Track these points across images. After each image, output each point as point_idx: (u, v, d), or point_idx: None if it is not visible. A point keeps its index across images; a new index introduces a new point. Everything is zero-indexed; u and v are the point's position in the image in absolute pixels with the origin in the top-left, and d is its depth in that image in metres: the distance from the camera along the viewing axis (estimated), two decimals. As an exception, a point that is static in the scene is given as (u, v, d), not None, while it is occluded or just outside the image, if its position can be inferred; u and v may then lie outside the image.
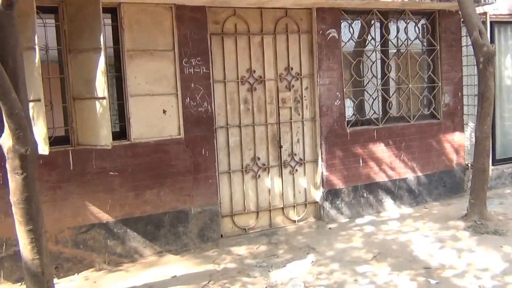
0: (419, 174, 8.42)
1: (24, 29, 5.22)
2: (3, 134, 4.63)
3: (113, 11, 6.30)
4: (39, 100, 5.32)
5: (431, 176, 8.53)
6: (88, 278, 5.98)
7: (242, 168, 7.24)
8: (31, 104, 5.23)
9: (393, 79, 8.38)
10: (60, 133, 6.20)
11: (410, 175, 8.34)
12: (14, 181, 4.67)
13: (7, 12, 4.25)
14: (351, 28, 7.94)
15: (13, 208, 4.76)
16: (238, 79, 7.14)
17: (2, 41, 4.38)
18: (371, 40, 8.11)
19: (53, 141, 5.86)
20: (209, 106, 6.84)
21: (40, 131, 5.32)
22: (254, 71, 7.23)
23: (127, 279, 5.89)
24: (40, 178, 5.60)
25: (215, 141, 6.95)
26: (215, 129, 6.97)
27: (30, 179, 4.67)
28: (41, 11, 5.77)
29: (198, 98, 6.77)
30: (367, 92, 8.18)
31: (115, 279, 5.92)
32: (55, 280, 5.61)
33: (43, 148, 5.33)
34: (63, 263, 6.08)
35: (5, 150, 4.61)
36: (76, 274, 6.09)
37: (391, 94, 8.34)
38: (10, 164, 4.64)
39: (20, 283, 5.73)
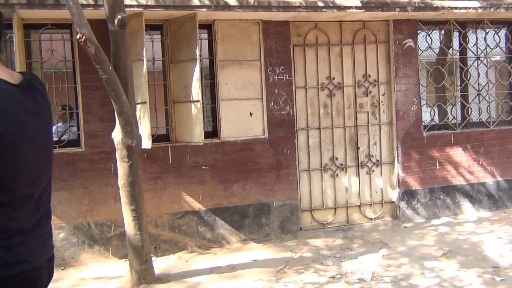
0: (499, 179, 8.47)
1: (135, 44, 6.31)
2: (115, 129, 5.67)
3: (208, 27, 7.24)
4: (145, 103, 6.35)
5: (512, 182, 8.54)
6: (181, 258, 6.88)
7: (321, 167, 7.83)
8: (138, 106, 6.27)
9: (472, 85, 8.53)
10: (162, 131, 7.21)
11: (489, 180, 8.42)
12: (122, 168, 5.70)
13: (120, 31, 5.26)
14: (428, 37, 8.26)
15: (120, 191, 5.78)
16: (318, 85, 7.77)
17: (116, 54, 5.41)
18: (449, 49, 8.36)
19: (155, 138, 6.87)
20: (291, 110, 7.54)
21: (145, 129, 6.33)
22: (334, 78, 7.83)
23: (214, 260, 6.70)
24: (143, 169, 6.64)
25: (296, 141, 7.62)
26: (296, 130, 7.64)
27: (135, 166, 5.67)
28: (149, 29, 6.84)
29: (281, 103, 7.49)
30: (446, 98, 8.42)
31: (204, 260, 6.75)
32: (154, 258, 6.56)
33: (147, 143, 6.34)
34: (160, 244, 7.04)
35: (115, 142, 5.64)
36: (171, 254, 7.02)
37: (470, 100, 8.50)
38: (119, 154, 5.67)
39: (125, 259, 6.72)
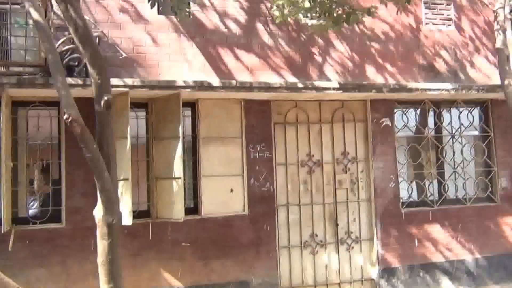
0: (478, 256, 8.54)
1: (120, 121, 6.51)
2: (96, 206, 5.72)
3: (192, 105, 7.50)
4: (127, 179, 6.46)
5: (491, 259, 8.59)
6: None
7: (301, 243, 7.87)
8: (121, 182, 6.36)
9: (448, 163, 8.80)
10: (143, 207, 7.26)
11: (468, 257, 8.48)
12: (101, 245, 5.68)
13: (106, 112, 5.45)
14: (404, 116, 8.61)
15: (99, 268, 5.73)
16: (298, 162, 7.97)
17: (100, 133, 5.56)
18: (425, 127, 8.70)
19: (137, 214, 6.91)
20: (271, 186, 7.68)
21: (126, 205, 6.39)
22: (313, 155, 8.05)
23: None
24: (124, 246, 6.61)
25: (276, 218, 7.70)
26: (277, 207, 7.74)
27: (114, 244, 5.66)
28: (134, 106, 7.07)
29: (261, 179, 7.64)
30: (423, 175, 8.65)
31: None
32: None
33: (128, 220, 6.38)
34: (138, 323, 6.88)
35: (96, 219, 5.67)
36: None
37: (446, 178, 8.73)
38: (100, 231, 5.67)
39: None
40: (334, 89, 7.43)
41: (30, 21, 6.00)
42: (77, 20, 5.12)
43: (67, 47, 6.49)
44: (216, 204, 7.39)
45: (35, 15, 5.00)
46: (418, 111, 8.77)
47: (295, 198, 7.92)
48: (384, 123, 8.32)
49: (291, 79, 7.69)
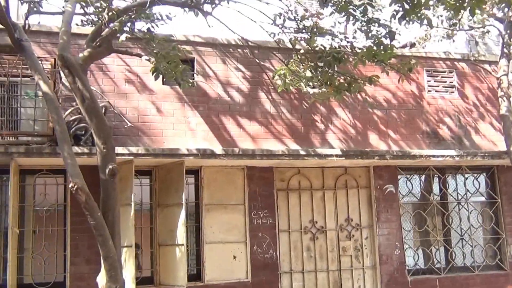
0: (490, 328, 8.23)
1: (125, 189, 6.60)
2: (100, 274, 5.69)
3: (195, 172, 7.60)
4: (131, 246, 6.46)
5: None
6: None
7: (306, 313, 7.68)
8: (124, 249, 6.36)
9: (454, 230, 8.68)
10: (147, 274, 7.19)
11: (479, 329, 8.18)
12: (104, 313, 5.60)
13: (110, 180, 5.56)
14: (409, 183, 8.62)
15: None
16: (301, 229, 7.93)
17: (105, 201, 5.64)
18: (430, 193, 8.68)
19: (140, 281, 6.85)
20: (274, 253, 7.60)
21: (129, 272, 6.35)
22: (316, 222, 8.01)
23: None
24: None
25: (279, 285, 7.56)
26: (280, 274, 7.63)
27: (118, 312, 5.58)
28: (139, 174, 7.18)
29: (264, 246, 7.59)
30: (429, 242, 8.52)
31: None
32: None
33: (131, 287, 6.31)
34: None
35: (100, 286, 5.63)
36: None
37: (453, 245, 8.58)
38: (103, 299, 5.61)
39: None
40: (336, 156, 7.51)
41: (39, 93, 6.26)
42: (84, 92, 5.34)
43: (74, 117, 6.70)
44: (219, 271, 7.31)
45: (44, 87, 5.23)
46: (423, 177, 8.78)
47: (299, 265, 7.81)
48: (388, 190, 8.32)
49: (294, 146, 7.81)
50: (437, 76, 8.91)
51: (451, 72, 8.99)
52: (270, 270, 7.54)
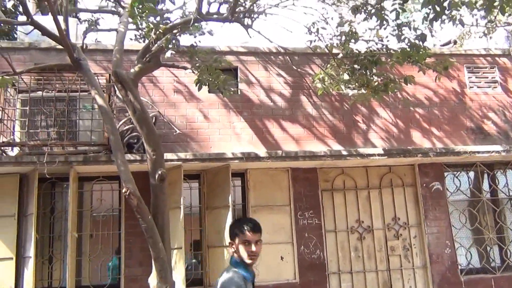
0: (548, 327, 7.98)
1: (174, 192, 6.98)
2: (151, 275, 6.06)
3: (241, 175, 7.90)
4: (181, 248, 6.81)
5: None
6: None
7: (354, 312, 7.75)
8: (174, 251, 6.72)
9: (508, 227, 8.49)
10: (197, 276, 7.53)
11: (537, 328, 7.95)
12: (156, 312, 5.95)
13: (160, 185, 5.93)
14: (456, 180, 8.52)
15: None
16: (348, 229, 8.03)
17: (155, 205, 6.01)
18: (479, 190, 8.54)
19: (190, 282, 7.18)
20: (321, 254, 7.75)
21: (180, 274, 6.70)
22: (363, 221, 8.09)
23: None
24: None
25: (328, 286, 7.68)
26: (328, 274, 7.75)
27: (168, 311, 5.92)
28: (188, 178, 7.55)
29: (311, 246, 7.75)
30: (481, 240, 8.38)
31: None
32: None
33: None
34: None
35: (151, 287, 5.99)
36: None
37: (507, 243, 8.40)
38: (154, 299, 5.96)
39: None
40: (379, 155, 7.58)
41: (96, 106, 6.76)
42: (135, 104, 5.77)
43: (127, 126, 7.18)
44: (266, 272, 7.54)
45: (99, 101, 5.70)
46: (471, 174, 8.66)
47: (347, 265, 7.91)
48: (435, 187, 8.28)
49: (336, 147, 7.95)
50: (478, 72, 8.79)
51: (493, 68, 8.85)
52: (317, 270, 7.69)
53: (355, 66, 6.69)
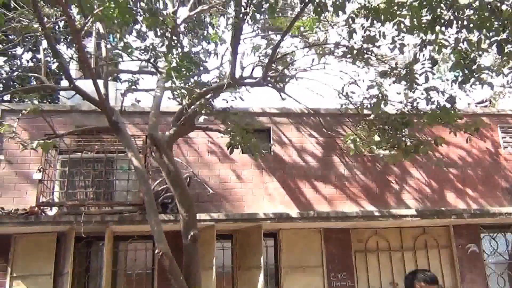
0: None
1: (206, 253, 7.01)
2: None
3: (274, 235, 7.89)
4: (213, 308, 6.76)
5: None
6: None
7: None
8: (207, 311, 6.67)
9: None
10: (228, 337, 7.42)
11: None
12: None
13: (192, 245, 5.98)
14: (493, 242, 8.29)
15: None
16: (381, 291, 7.85)
17: (188, 265, 6.05)
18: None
19: None
20: (355, 317, 7.56)
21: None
22: (397, 284, 7.88)
23: None
24: None
25: None
26: None
27: None
28: (220, 238, 7.59)
29: (345, 309, 7.58)
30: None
31: None
32: None
33: None
34: None
35: None
36: None
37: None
38: None
39: None
40: (411, 216, 7.50)
41: (132, 166, 6.98)
42: (169, 166, 5.96)
43: (162, 186, 7.35)
44: (299, 336, 7.37)
45: (135, 162, 5.90)
46: (508, 235, 8.42)
47: (381, 329, 7.67)
48: (471, 249, 8.07)
49: (369, 207, 7.92)
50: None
51: (526, 128, 8.80)
52: (351, 334, 7.48)
53: (386, 127, 6.76)
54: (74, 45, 12.51)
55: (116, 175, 7.28)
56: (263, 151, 6.65)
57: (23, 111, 5.99)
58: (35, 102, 8.28)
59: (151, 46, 9.29)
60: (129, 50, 5.92)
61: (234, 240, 7.81)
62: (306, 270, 7.70)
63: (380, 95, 6.27)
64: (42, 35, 7.14)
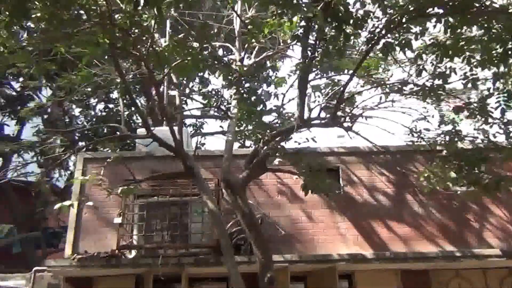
0: None
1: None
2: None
3: (348, 277, 7.70)
4: None
5: None
6: None
7: None
8: None
9: None
10: None
11: None
12: None
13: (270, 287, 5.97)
14: None
15: None
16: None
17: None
18: None
19: None
20: None
21: None
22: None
23: None
24: None
25: None
26: None
27: None
28: (294, 280, 7.51)
29: None
30: None
31: None
32: None
33: None
34: None
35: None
36: None
37: None
38: None
39: None
40: (496, 256, 7.11)
41: (205, 209, 7.16)
42: (244, 209, 6.07)
43: (235, 228, 7.45)
44: None
45: (210, 205, 6.07)
46: None
47: None
48: None
49: (448, 247, 7.57)
50: None
51: None
52: None
53: (462, 163, 6.54)
54: (141, 94, 13.18)
55: (191, 217, 7.48)
56: (336, 192, 6.61)
57: (108, 160, 6.37)
58: (114, 150, 8.76)
59: (217, 92, 9.69)
60: (206, 100, 6.18)
61: (307, 283, 7.69)
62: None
63: (453, 130, 6.10)
64: (118, 88, 7.66)
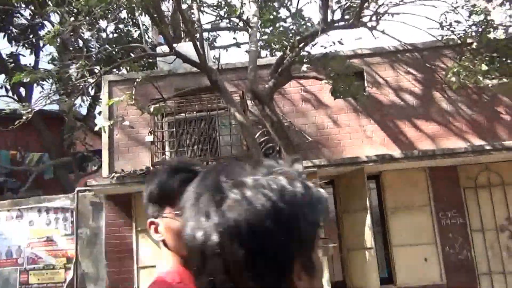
0: None
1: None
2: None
3: (376, 178, 7.85)
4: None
5: None
6: None
7: (512, 316, 7.28)
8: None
9: None
10: (339, 277, 7.64)
11: None
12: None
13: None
14: None
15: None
16: (496, 227, 7.57)
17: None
18: None
19: (334, 285, 7.30)
20: (469, 254, 7.41)
21: (324, 278, 6.85)
22: (515, 219, 7.58)
23: None
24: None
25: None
26: (478, 276, 7.39)
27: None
28: (321, 184, 7.70)
29: (457, 247, 7.45)
30: None
31: None
32: None
33: (328, 291, 6.81)
34: None
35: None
36: None
37: None
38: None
39: None
40: (527, 147, 7.07)
41: (233, 121, 7.22)
42: (272, 117, 6.10)
43: (262, 139, 7.54)
44: (410, 274, 7.40)
45: (239, 117, 6.11)
46: None
47: (498, 266, 7.46)
48: None
49: (477, 142, 7.55)
50: None
51: None
52: (466, 272, 7.36)
53: (494, 55, 6.33)
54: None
55: (219, 131, 7.56)
56: (364, 95, 6.54)
57: (137, 80, 6.35)
58: (138, 70, 8.70)
59: (229, 2, 9.35)
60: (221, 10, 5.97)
61: (336, 185, 7.87)
62: (412, 210, 7.63)
63: (485, 20, 5.84)
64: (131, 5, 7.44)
